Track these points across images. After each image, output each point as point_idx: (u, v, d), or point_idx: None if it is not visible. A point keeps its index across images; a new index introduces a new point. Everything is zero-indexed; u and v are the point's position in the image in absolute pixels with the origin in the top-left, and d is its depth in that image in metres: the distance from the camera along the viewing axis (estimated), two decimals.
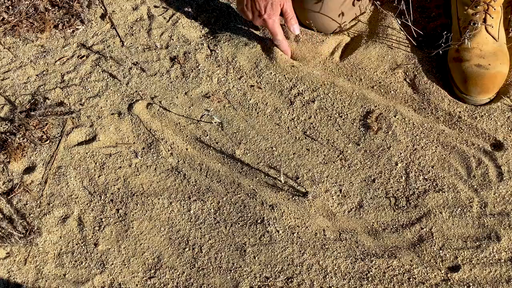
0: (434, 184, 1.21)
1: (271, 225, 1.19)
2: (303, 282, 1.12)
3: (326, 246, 1.16)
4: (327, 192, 1.22)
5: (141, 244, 1.19)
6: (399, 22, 1.42)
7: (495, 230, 1.14)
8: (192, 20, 1.51)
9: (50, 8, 1.55)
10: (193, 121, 1.34)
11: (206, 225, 1.21)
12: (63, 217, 1.23)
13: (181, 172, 1.27)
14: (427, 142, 1.26)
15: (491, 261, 1.11)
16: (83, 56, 1.48)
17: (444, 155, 1.24)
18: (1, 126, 1.36)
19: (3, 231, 1.20)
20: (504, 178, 1.19)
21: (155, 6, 1.55)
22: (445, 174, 1.22)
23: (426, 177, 1.22)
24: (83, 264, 1.18)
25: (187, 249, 1.18)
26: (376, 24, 1.45)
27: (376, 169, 1.24)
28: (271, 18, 1.35)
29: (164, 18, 1.53)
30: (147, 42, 1.48)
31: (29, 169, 1.30)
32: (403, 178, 1.22)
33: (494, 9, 1.30)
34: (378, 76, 1.36)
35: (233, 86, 1.39)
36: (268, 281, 1.13)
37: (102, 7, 1.56)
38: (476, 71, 1.27)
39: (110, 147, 1.32)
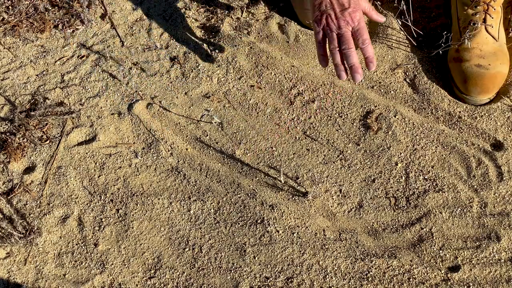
0: (434, 184, 1.21)
1: (271, 225, 1.19)
2: (303, 282, 1.12)
3: (326, 246, 1.16)
4: (327, 192, 1.22)
5: (141, 244, 1.19)
6: (399, 22, 1.42)
7: (495, 230, 1.14)
8: (192, 20, 1.51)
9: (50, 8, 1.55)
10: (193, 121, 1.34)
11: (206, 225, 1.21)
12: (63, 217, 1.23)
13: (181, 172, 1.27)
14: (427, 142, 1.26)
15: (491, 261, 1.11)
16: (83, 56, 1.48)
17: (444, 155, 1.24)
18: (1, 126, 1.36)
19: (3, 231, 1.20)
20: (504, 178, 1.19)
21: (155, 6, 1.55)
22: (445, 174, 1.22)
23: (426, 177, 1.22)
24: (83, 264, 1.18)
25: (187, 249, 1.18)
26: (376, 24, 1.45)
27: (376, 169, 1.24)
28: (357, 11, 1.16)
29: (164, 18, 1.53)
30: (147, 42, 1.48)
31: (29, 169, 1.30)
32: (403, 178, 1.22)
33: (494, 9, 1.30)
34: (378, 76, 1.36)
35: (233, 86, 1.39)
36: (268, 281, 1.13)
37: (102, 7, 1.56)
38: (476, 71, 1.27)
39: (110, 147, 1.32)
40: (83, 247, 1.20)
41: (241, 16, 1.50)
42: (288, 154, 1.28)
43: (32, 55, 1.49)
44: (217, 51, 1.44)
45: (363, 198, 1.21)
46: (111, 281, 1.15)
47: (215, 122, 1.33)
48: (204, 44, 1.46)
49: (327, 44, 1.18)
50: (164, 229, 1.21)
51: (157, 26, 1.51)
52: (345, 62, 1.17)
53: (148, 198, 1.25)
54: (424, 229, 1.16)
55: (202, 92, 1.38)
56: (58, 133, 1.35)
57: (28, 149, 1.33)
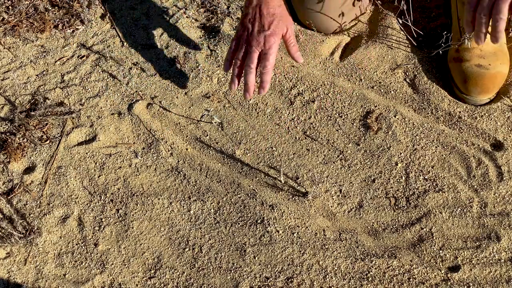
0: (434, 184, 1.21)
1: (271, 225, 1.19)
2: (303, 282, 1.12)
3: (326, 246, 1.16)
4: (327, 192, 1.22)
5: (141, 244, 1.19)
6: (399, 22, 1.42)
7: (495, 230, 1.14)
8: (192, 20, 1.51)
9: (50, 8, 1.55)
10: (193, 121, 1.34)
11: (206, 225, 1.21)
12: (63, 217, 1.23)
13: (181, 172, 1.27)
14: (427, 142, 1.26)
15: (491, 261, 1.11)
16: (83, 56, 1.48)
17: (444, 155, 1.24)
18: (1, 126, 1.36)
19: (3, 231, 1.20)
20: (504, 178, 1.19)
21: (155, 6, 1.55)
22: (445, 174, 1.22)
23: (426, 177, 1.22)
24: (83, 264, 1.18)
25: (187, 249, 1.18)
26: (376, 24, 1.45)
27: (376, 169, 1.24)
28: (274, 36, 1.20)
29: (164, 18, 1.53)
30: (147, 42, 1.48)
31: (29, 169, 1.30)
32: (403, 178, 1.22)
33: None
34: (378, 76, 1.36)
35: None
36: (268, 281, 1.13)
37: (102, 7, 1.56)
38: (476, 71, 1.27)
39: (110, 147, 1.32)
40: (83, 247, 1.20)
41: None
42: (288, 154, 1.28)
43: (32, 55, 1.49)
44: (217, 51, 1.44)
45: (363, 198, 1.21)
46: (111, 281, 1.15)
47: (215, 122, 1.33)
48: (204, 44, 1.46)
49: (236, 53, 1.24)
50: (164, 229, 1.21)
51: (157, 26, 1.51)
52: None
53: (148, 198, 1.25)
54: (424, 229, 1.16)
55: (202, 92, 1.38)
56: (58, 133, 1.35)
57: (28, 149, 1.33)
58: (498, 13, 1.02)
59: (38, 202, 1.25)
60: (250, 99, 1.24)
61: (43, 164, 1.30)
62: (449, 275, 1.10)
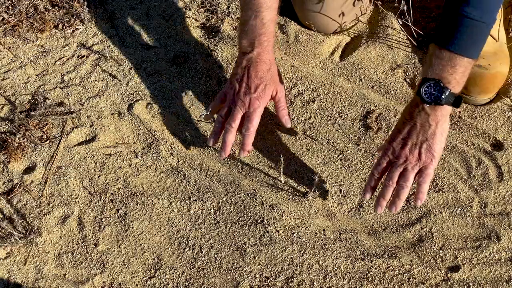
0: (434, 184, 1.21)
1: (271, 225, 1.19)
2: (303, 282, 1.12)
3: (326, 246, 1.16)
4: (327, 192, 1.22)
5: (141, 244, 1.19)
6: (400, 22, 1.42)
7: (495, 230, 1.14)
8: (192, 20, 1.51)
9: (50, 8, 1.55)
10: (193, 121, 1.34)
11: (206, 225, 1.21)
12: (63, 217, 1.23)
13: (181, 172, 1.27)
14: None
15: (491, 261, 1.11)
16: (83, 56, 1.48)
17: (444, 155, 1.24)
18: (1, 126, 1.36)
19: (3, 231, 1.20)
20: (504, 178, 1.19)
21: (155, 6, 1.55)
22: (445, 174, 1.22)
23: None
24: (83, 264, 1.18)
25: (187, 249, 1.18)
26: (376, 24, 1.45)
27: None
28: (259, 100, 1.18)
29: (164, 18, 1.53)
30: (147, 42, 1.48)
31: (29, 169, 1.30)
32: None
33: None
34: (378, 76, 1.36)
35: None
36: (268, 281, 1.13)
37: (102, 7, 1.56)
38: (476, 71, 1.27)
39: (110, 147, 1.32)
40: (83, 247, 1.20)
41: None
42: (288, 154, 1.28)
43: (32, 55, 1.49)
44: (217, 51, 1.44)
45: (363, 198, 1.21)
46: (111, 281, 1.15)
47: None
48: (204, 44, 1.46)
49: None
50: (164, 229, 1.21)
51: (157, 26, 1.51)
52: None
53: (148, 198, 1.25)
54: (424, 229, 1.16)
55: (202, 92, 1.38)
56: (58, 133, 1.35)
57: (28, 149, 1.33)
58: (405, 181, 1.06)
59: (38, 202, 1.25)
60: (224, 159, 1.23)
61: (43, 164, 1.30)
62: (449, 275, 1.10)
